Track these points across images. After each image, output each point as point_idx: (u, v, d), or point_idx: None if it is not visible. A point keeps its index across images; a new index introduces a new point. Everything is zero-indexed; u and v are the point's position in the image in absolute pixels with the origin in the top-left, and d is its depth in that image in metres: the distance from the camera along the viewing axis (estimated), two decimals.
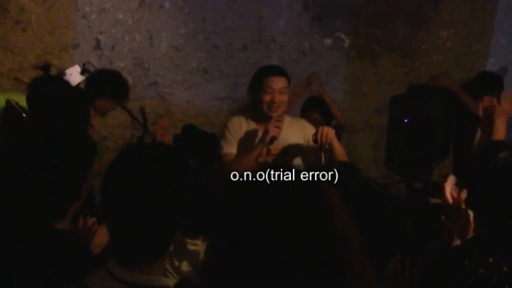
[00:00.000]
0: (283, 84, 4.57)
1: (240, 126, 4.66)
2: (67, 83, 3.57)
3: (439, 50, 7.19)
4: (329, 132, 4.45)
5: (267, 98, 4.52)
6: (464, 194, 2.85)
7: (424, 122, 6.06)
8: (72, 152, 2.41)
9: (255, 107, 4.68)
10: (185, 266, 3.48)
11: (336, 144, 4.57)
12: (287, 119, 4.64)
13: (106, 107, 5.32)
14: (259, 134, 4.56)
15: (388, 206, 2.11)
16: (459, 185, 2.98)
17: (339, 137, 6.09)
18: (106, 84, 5.28)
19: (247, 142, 4.59)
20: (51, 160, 2.34)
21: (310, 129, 4.72)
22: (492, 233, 2.57)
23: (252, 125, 4.66)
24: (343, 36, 6.96)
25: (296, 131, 4.69)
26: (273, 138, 4.44)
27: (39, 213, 2.33)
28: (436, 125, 6.06)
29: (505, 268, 2.49)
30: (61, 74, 4.19)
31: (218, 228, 1.81)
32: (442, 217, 3.16)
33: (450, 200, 2.98)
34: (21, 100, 3.66)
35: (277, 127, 4.45)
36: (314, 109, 5.79)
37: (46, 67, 4.19)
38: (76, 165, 2.40)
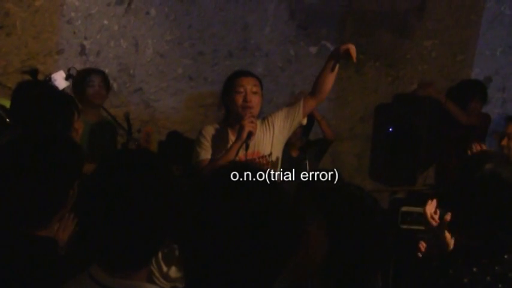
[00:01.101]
0: (255, 83, 4.49)
1: (215, 132, 4.55)
2: (52, 87, 3.55)
3: (424, 59, 7.22)
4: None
5: (240, 98, 4.42)
6: (448, 217, 2.87)
7: (408, 131, 6.09)
8: (59, 159, 2.38)
9: (228, 115, 4.58)
10: (173, 272, 3.47)
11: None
12: (258, 122, 4.51)
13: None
14: (232, 137, 4.46)
15: (377, 216, 2.10)
16: (441, 206, 3.00)
17: (324, 151, 6.11)
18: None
19: (221, 146, 4.51)
20: (37, 167, 2.32)
21: (273, 115, 4.66)
22: (476, 242, 2.58)
23: (227, 131, 4.56)
24: (328, 44, 6.98)
25: (268, 127, 4.60)
26: (250, 134, 4.35)
27: (24, 220, 2.31)
28: (420, 133, 6.08)
29: (488, 278, 2.50)
30: (47, 79, 4.17)
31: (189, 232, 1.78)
32: (421, 245, 3.20)
33: (433, 223, 3.00)
34: (6, 104, 3.65)
35: (252, 122, 4.38)
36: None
37: (34, 72, 4.17)
38: (63, 173, 2.38)
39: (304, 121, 4.80)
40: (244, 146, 4.35)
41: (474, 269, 2.50)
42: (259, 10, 6.80)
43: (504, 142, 5.12)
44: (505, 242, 2.56)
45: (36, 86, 3.52)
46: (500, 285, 2.50)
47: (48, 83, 3.74)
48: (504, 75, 7.27)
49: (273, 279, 1.77)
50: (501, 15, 7.23)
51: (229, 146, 4.45)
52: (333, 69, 4.48)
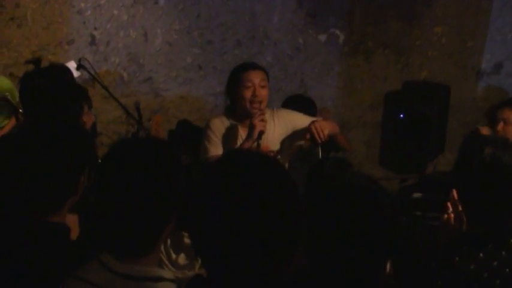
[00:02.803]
0: (262, 77, 4.42)
1: (223, 126, 4.49)
2: (59, 77, 3.53)
3: (434, 46, 7.19)
4: (322, 127, 4.31)
5: (248, 93, 4.36)
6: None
7: (418, 118, 6.07)
8: (70, 146, 2.40)
9: (234, 106, 4.53)
10: (182, 259, 3.49)
11: (335, 133, 4.55)
12: (268, 113, 4.48)
13: None
14: (242, 133, 4.45)
15: (387, 204, 2.10)
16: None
17: (337, 149, 6.05)
18: None
19: (232, 142, 4.45)
20: (48, 154, 2.35)
21: (292, 116, 4.61)
22: (481, 228, 2.58)
23: (234, 124, 4.50)
24: (337, 32, 6.97)
25: (279, 123, 4.57)
26: (261, 133, 4.31)
27: (36, 207, 2.34)
28: (430, 121, 6.07)
29: (495, 263, 2.50)
30: (52, 66, 4.14)
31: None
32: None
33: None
34: None
35: (262, 120, 4.35)
36: (295, 108, 5.77)
37: (37, 61, 4.16)
38: (74, 160, 2.40)
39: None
40: (255, 144, 4.33)
41: (480, 255, 2.50)
42: None
43: (500, 127, 5.09)
44: (509, 226, 2.57)
45: (41, 77, 3.50)
46: (507, 270, 2.51)
47: (53, 72, 3.71)
48: None
49: (288, 261, 1.78)
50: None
51: (239, 142, 4.43)
52: None
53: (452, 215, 2.80)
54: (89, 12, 6.40)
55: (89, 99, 3.52)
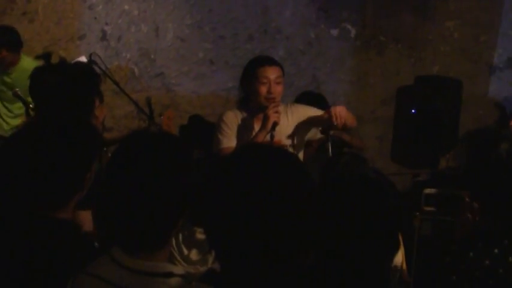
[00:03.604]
0: (278, 73, 4.41)
1: (236, 119, 4.50)
2: (70, 72, 3.52)
3: (446, 40, 7.16)
4: (342, 111, 4.27)
5: (263, 88, 4.36)
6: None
7: (431, 113, 6.05)
8: (76, 143, 2.40)
9: (248, 99, 4.54)
10: (194, 255, 3.49)
11: (351, 125, 4.49)
12: (281, 108, 4.47)
13: None
14: (256, 126, 4.45)
15: (394, 200, 2.09)
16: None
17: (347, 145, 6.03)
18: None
19: (245, 135, 4.45)
20: (55, 150, 2.34)
21: (307, 111, 4.60)
22: (496, 224, 2.56)
23: (247, 118, 4.51)
24: (349, 26, 6.95)
25: (292, 118, 4.57)
26: (275, 124, 4.31)
27: (42, 203, 2.33)
28: (443, 116, 6.05)
29: (510, 259, 2.49)
30: (62, 61, 4.14)
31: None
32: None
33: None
34: None
35: (277, 112, 4.34)
36: (309, 104, 5.76)
37: (47, 56, 4.15)
38: (80, 156, 2.40)
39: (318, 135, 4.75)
40: (268, 136, 4.33)
41: (495, 251, 2.49)
42: None
43: None
44: None
45: (53, 72, 3.49)
46: None
47: (64, 67, 3.69)
48: None
49: (303, 257, 1.78)
50: None
51: (252, 134, 4.42)
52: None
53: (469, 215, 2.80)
54: (100, 7, 6.40)
55: (100, 93, 3.52)
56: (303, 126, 4.57)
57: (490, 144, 2.60)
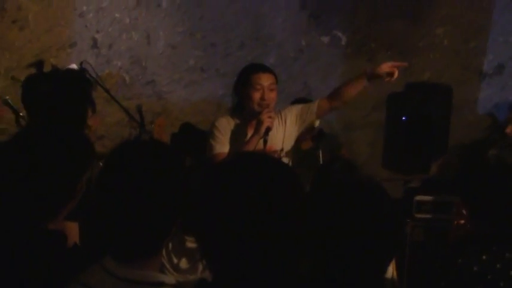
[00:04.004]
0: (272, 80, 4.47)
1: (229, 125, 4.54)
2: (63, 81, 3.50)
3: (436, 47, 7.19)
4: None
5: (257, 95, 4.42)
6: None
7: (421, 119, 6.07)
8: (68, 153, 2.38)
9: (241, 106, 4.58)
10: (184, 264, 3.49)
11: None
12: (275, 114, 4.52)
13: None
14: (249, 132, 4.47)
15: (388, 206, 2.10)
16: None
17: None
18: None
19: (238, 141, 4.47)
20: (46, 160, 2.33)
21: (294, 110, 4.68)
22: (485, 230, 2.57)
23: (240, 124, 4.55)
24: (340, 33, 6.96)
25: (285, 124, 4.58)
26: (268, 129, 4.35)
27: (32, 214, 2.32)
28: (433, 122, 6.06)
29: (498, 265, 2.49)
30: (55, 69, 4.11)
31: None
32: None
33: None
34: None
35: (270, 117, 4.37)
36: None
37: (39, 64, 4.13)
38: (71, 167, 2.38)
39: (317, 123, 4.79)
40: (261, 141, 4.35)
41: (484, 257, 2.50)
42: (271, 0, 6.79)
43: (509, 130, 5.11)
44: None
45: (45, 81, 3.48)
46: (511, 273, 2.50)
47: (56, 75, 3.68)
48: None
49: (294, 264, 1.78)
50: None
51: (245, 140, 4.45)
52: (359, 87, 4.51)
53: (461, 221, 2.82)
54: (91, 15, 6.40)
55: (93, 102, 3.50)
56: (295, 128, 4.60)
57: (479, 150, 2.62)
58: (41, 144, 2.38)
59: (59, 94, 3.34)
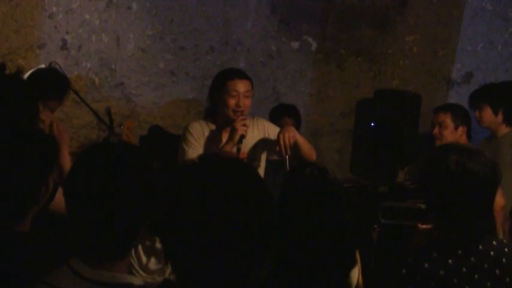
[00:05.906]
0: (248, 87, 4.42)
1: (202, 130, 4.50)
2: (10, 79, 3.47)
3: (405, 54, 7.25)
4: (288, 137, 4.31)
5: (232, 101, 4.36)
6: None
7: (389, 126, 6.11)
8: (30, 154, 2.35)
9: (215, 111, 4.54)
10: (153, 264, 3.47)
11: (300, 141, 4.46)
12: (249, 121, 4.47)
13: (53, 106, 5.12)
14: (223, 138, 4.45)
15: (353, 211, 2.12)
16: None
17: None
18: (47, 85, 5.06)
19: (211, 146, 4.44)
20: (7, 163, 2.30)
21: (271, 128, 4.63)
22: (450, 235, 2.60)
23: (214, 130, 4.52)
24: (310, 39, 6.99)
25: (257, 132, 4.58)
26: (242, 137, 4.31)
27: None
28: (401, 129, 6.11)
29: (464, 269, 2.52)
30: (18, 72, 4.07)
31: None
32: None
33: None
34: None
35: (245, 125, 4.36)
36: (284, 115, 5.81)
37: (1, 67, 4.08)
38: (34, 168, 2.35)
39: None
40: (235, 148, 4.33)
41: (450, 261, 2.52)
42: (241, 5, 6.79)
43: (436, 131, 5.32)
44: (479, 233, 2.59)
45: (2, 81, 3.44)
46: (476, 276, 2.53)
47: (3, 75, 3.64)
48: (485, 70, 7.30)
49: (258, 266, 1.78)
50: (482, 10, 7.26)
51: (219, 146, 4.41)
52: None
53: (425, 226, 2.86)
54: (61, 16, 6.35)
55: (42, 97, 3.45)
56: (263, 143, 4.59)
57: (439, 156, 2.65)
58: (0, 145, 2.34)
59: (6, 92, 3.30)
